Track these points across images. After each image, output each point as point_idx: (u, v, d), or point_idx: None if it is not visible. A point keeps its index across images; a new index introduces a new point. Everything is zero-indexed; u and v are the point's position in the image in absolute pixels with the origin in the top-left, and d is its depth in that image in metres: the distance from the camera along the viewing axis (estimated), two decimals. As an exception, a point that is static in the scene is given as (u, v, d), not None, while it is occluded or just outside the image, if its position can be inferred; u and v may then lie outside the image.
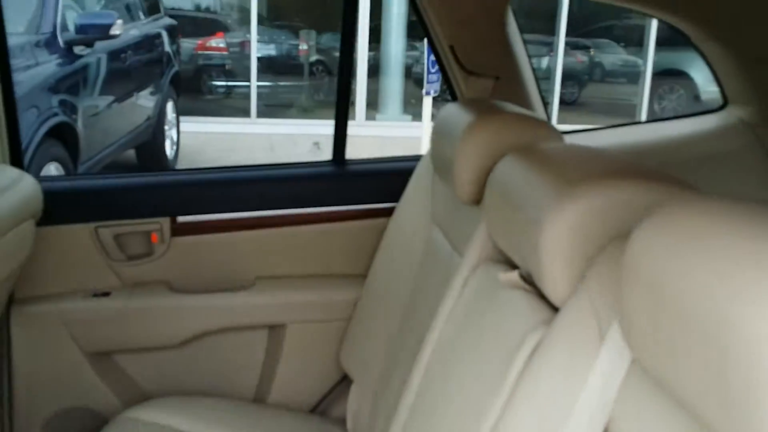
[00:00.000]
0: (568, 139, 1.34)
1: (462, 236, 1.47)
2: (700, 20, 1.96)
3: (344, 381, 2.06)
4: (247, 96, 9.62)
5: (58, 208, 1.88)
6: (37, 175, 1.95)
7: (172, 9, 7.48)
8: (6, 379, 1.93)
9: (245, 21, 10.14)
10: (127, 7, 6.02)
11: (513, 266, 1.19)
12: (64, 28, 4.66)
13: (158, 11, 6.69)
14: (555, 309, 1.01)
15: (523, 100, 1.97)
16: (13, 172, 1.58)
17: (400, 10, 9.63)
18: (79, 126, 4.58)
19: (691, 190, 0.96)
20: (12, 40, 1.87)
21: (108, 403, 1.97)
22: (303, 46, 10.59)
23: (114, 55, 5.32)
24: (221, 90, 10.31)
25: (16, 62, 2.94)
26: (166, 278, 2.02)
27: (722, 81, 2.18)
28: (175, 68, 6.72)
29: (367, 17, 9.44)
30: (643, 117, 10.98)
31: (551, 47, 10.68)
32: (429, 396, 1.29)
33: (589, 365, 0.86)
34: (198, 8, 10.89)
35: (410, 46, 10.16)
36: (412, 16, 9.80)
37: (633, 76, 11.61)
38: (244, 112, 9.54)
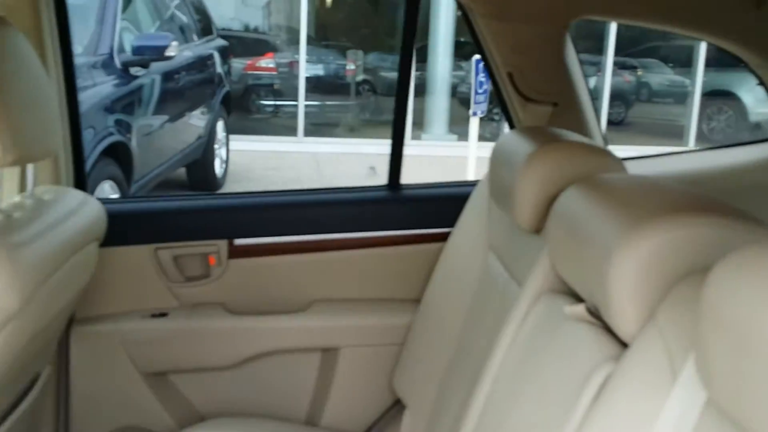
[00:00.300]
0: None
1: (520, 264, 1.46)
2: (758, 47, 1.93)
3: (397, 405, 2.05)
4: (294, 115, 9.74)
5: (119, 229, 1.92)
6: (91, 194, 2.00)
7: (223, 29, 7.62)
8: (64, 397, 1.97)
9: (293, 41, 10.29)
10: (181, 29, 6.16)
11: (577, 298, 1.18)
12: (121, 49, 4.79)
13: (211, 33, 6.83)
14: (623, 344, 1.00)
15: (582, 127, 1.96)
16: (79, 195, 1.62)
17: (447, 30, 9.67)
18: (134, 145, 4.68)
19: (763, 225, 0.94)
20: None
21: (163, 423, 2.00)
22: (350, 66, 10.69)
23: (168, 75, 5.44)
24: (269, 109, 10.45)
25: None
26: (223, 300, 2.05)
27: None
28: (226, 88, 6.84)
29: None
30: (692, 138, 10.81)
31: (598, 66, 10.60)
32: (489, 426, 1.28)
33: (661, 403, 0.85)
34: (247, 29, 11.08)
35: (456, 66, 10.18)
36: (458, 36, 9.84)
37: (680, 97, 11.45)
38: (291, 131, 9.65)
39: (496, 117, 9.62)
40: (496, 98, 2.03)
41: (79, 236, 1.49)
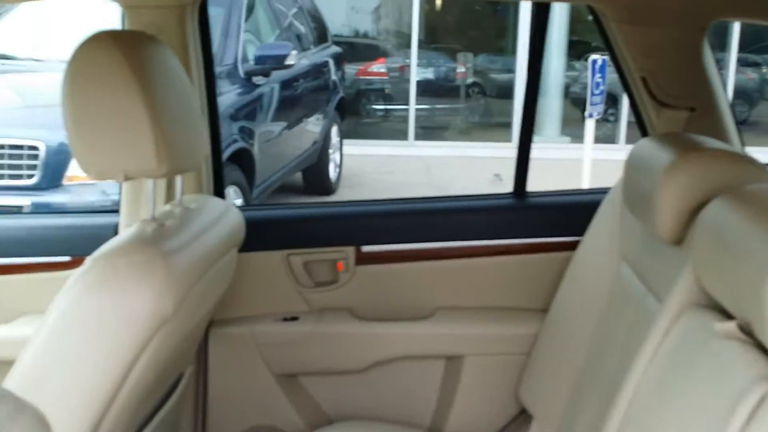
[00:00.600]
0: None
1: (659, 276, 1.42)
2: None
3: (522, 415, 2.04)
4: (404, 119, 9.80)
5: (254, 236, 2.00)
6: None
7: (334, 36, 7.78)
8: (202, 395, 2.06)
9: (402, 45, 10.36)
10: (298, 37, 6.34)
11: (724, 313, 1.14)
12: (244, 59, 4.97)
13: (326, 40, 6.99)
14: None
15: (720, 133, 1.89)
16: (221, 203, 1.70)
17: (560, 29, 9.48)
18: (256, 151, 4.86)
19: None
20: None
21: (293, 423, 2.07)
22: (461, 69, 10.65)
23: (286, 83, 5.61)
24: (379, 113, 10.56)
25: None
26: (350, 305, 2.09)
27: None
28: (340, 94, 6.98)
29: (527, 37, 9.37)
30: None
31: (720, 64, 10.12)
32: (630, 443, 1.25)
33: None
34: (357, 34, 11.25)
35: (568, 66, 9.97)
36: (572, 35, 9.63)
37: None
38: (402, 135, 9.71)
39: (611, 118, 9.36)
40: (630, 102, 1.98)
41: (223, 243, 1.56)
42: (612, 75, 6.58)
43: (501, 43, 11.01)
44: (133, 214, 1.90)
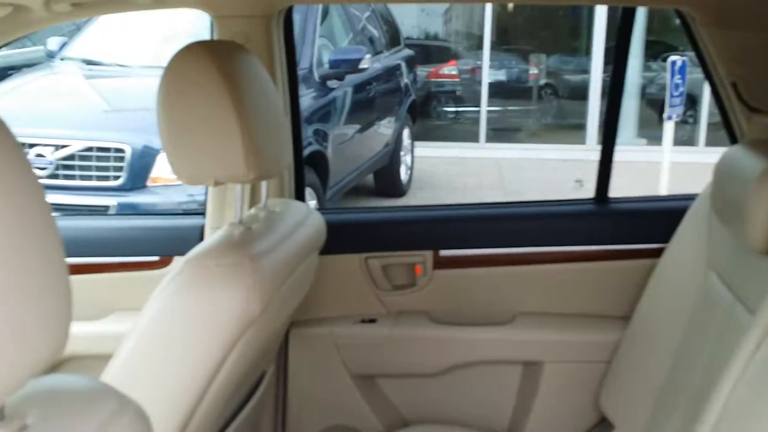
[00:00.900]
0: None
1: (750, 287, 1.39)
2: None
3: (602, 424, 2.01)
4: (476, 121, 9.74)
5: (333, 239, 2.03)
6: None
7: (406, 38, 7.80)
8: (282, 394, 2.11)
9: (473, 47, 10.29)
10: (371, 40, 6.39)
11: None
12: (319, 63, 5.04)
13: (398, 43, 7.02)
14: None
15: None
16: (303, 207, 1.73)
17: (638, 29, 9.27)
18: (329, 153, 4.92)
19: None
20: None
21: (370, 424, 2.09)
22: (533, 70, 10.53)
23: (359, 86, 5.67)
24: (450, 115, 10.53)
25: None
26: (427, 309, 2.10)
27: None
28: (412, 97, 7.00)
29: (603, 37, 9.19)
30: None
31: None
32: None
33: None
34: (428, 36, 11.24)
35: (644, 66, 9.74)
36: (649, 35, 9.40)
37: None
38: (473, 137, 9.66)
39: (690, 120, 9.09)
40: (718, 108, 1.92)
41: (306, 246, 1.59)
42: (691, 76, 6.41)
43: (574, 43, 10.82)
44: (219, 216, 1.96)
